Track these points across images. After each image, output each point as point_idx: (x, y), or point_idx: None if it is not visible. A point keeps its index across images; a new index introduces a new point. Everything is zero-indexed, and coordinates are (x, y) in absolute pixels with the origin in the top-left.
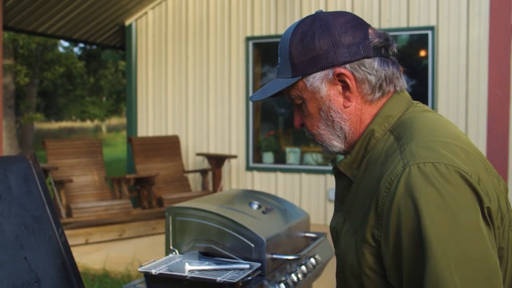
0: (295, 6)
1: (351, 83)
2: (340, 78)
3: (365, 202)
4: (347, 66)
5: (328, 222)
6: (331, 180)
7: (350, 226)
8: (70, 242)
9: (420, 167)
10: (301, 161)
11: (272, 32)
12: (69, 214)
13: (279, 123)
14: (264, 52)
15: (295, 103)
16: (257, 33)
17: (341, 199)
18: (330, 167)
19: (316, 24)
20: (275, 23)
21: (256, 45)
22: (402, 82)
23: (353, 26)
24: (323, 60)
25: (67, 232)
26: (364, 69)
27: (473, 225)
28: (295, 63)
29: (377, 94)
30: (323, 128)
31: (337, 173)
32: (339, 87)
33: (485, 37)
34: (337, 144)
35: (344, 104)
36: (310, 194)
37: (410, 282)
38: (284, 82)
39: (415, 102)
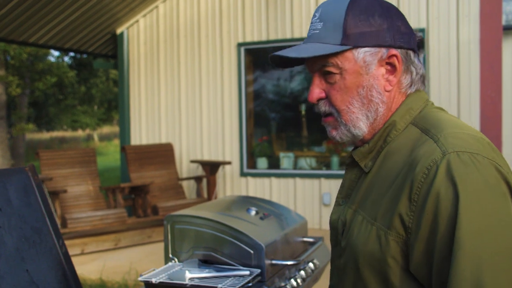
0: (286, 13)
1: (399, 67)
2: (390, 60)
3: (389, 190)
4: (399, 51)
5: (324, 226)
6: (325, 184)
7: (366, 215)
8: None
9: (459, 155)
10: (295, 166)
11: (264, 38)
12: (64, 224)
13: (272, 128)
14: (256, 58)
15: (326, 72)
16: (248, 39)
17: (346, 193)
18: (324, 171)
19: (376, 3)
20: (267, 29)
21: (247, 51)
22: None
23: (404, 17)
24: (381, 37)
25: None
26: (410, 60)
27: (508, 217)
28: (348, 32)
29: (413, 88)
30: (356, 106)
31: (350, 163)
32: (384, 70)
33: (476, 39)
34: (363, 126)
35: (385, 87)
36: (305, 199)
37: (440, 269)
38: (331, 47)
39: (430, 101)
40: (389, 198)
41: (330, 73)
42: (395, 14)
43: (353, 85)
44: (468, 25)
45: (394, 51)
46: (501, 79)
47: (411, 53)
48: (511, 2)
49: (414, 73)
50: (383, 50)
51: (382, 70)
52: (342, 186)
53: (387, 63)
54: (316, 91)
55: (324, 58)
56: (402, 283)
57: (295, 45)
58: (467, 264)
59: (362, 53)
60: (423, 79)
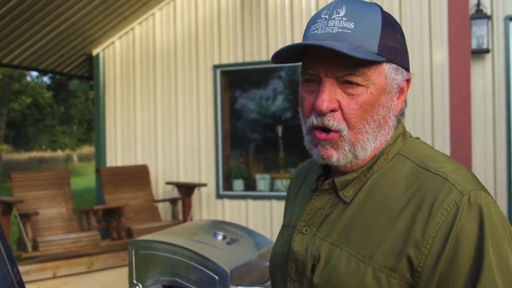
0: (261, 35)
1: (406, 93)
2: (403, 84)
3: (390, 228)
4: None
5: None
6: None
7: (354, 253)
8: (37, 276)
9: (479, 194)
10: (272, 188)
11: (240, 60)
12: (35, 247)
13: (249, 150)
14: (232, 79)
15: (349, 81)
16: (224, 61)
17: (311, 220)
18: None
19: (395, 21)
20: (242, 51)
21: (223, 73)
22: None
23: None
24: (405, 57)
25: (33, 266)
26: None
27: (510, 261)
28: (384, 43)
29: (403, 116)
30: (372, 126)
31: (325, 188)
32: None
33: (448, 62)
34: (368, 149)
35: (395, 111)
36: (281, 221)
37: None
38: (369, 54)
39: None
40: (392, 237)
41: (352, 83)
42: (403, 36)
43: (376, 102)
44: (441, 49)
45: (409, 75)
46: (470, 102)
47: None
48: (482, 26)
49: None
50: (405, 71)
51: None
52: (306, 212)
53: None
54: (332, 101)
55: (355, 65)
56: None
57: (271, 67)
58: None
59: (393, 70)
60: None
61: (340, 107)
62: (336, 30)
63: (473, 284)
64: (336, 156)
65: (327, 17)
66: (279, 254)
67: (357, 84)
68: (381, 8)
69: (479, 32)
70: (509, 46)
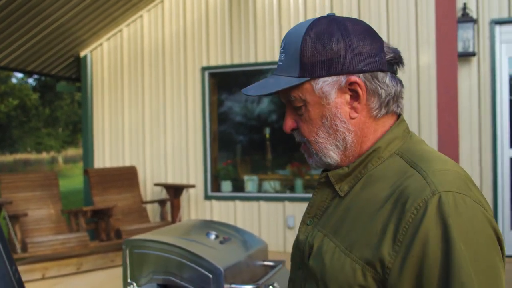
0: (250, 37)
1: (362, 93)
2: (351, 87)
3: (370, 222)
4: (361, 75)
5: (288, 249)
6: (289, 207)
7: (339, 244)
8: (26, 277)
9: (449, 196)
10: (260, 189)
11: (228, 62)
12: (24, 249)
13: (237, 151)
14: (220, 81)
15: (293, 105)
16: (212, 63)
17: (314, 213)
18: (288, 194)
19: (334, 27)
20: (231, 53)
21: (212, 75)
22: (403, 103)
23: (371, 35)
24: (337, 65)
25: (22, 268)
26: (376, 82)
27: (494, 265)
28: (305, 63)
29: (383, 111)
30: (323, 136)
31: (323, 182)
32: (348, 96)
33: (434, 64)
34: (334, 155)
35: (351, 115)
36: (269, 222)
37: None
38: (289, 81)
39: (412, 131)
40: (370, 232)
41: (296, 107)
42: (358, 35)
43: (317, 116)
44: (428, 51)
45: (353, 78)
46: (457, 104)
47: (379, 74)
48: (468, 30)
49: (384, 95)
50: (342, 78)
51: (346, 97)
52: (310, 205)
53: (350, 90)
54: (289, 121)
55: (287, 92)
56: None
57: (259, 69)
58: None
59: (320, 84)
60: (397, 98)
61: (297, 126)
62: (278, 64)
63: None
64: (313, 163)
65: (280, 51)
66: (293, 245)
67: (298, 107)
68: (313, 22)
69: (465, 36)
70: (495, 50)
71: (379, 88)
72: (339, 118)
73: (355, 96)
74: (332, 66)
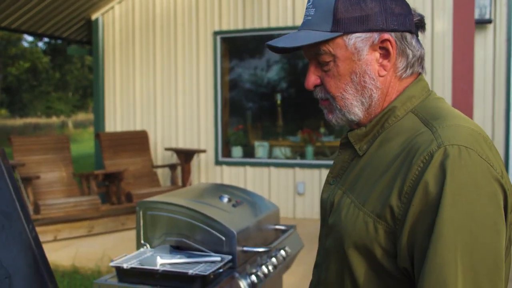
0: (262, 1)
1: (392, 52)
2: (383, 45)
3: (382, 177)
4: (393, 34)
5: (297, 215)
6: (299, 173)
7: (354, 199)
8: None
9: (454, 148)
10: (270, 155)
11: (240, 26)
12: (37, 211)
13: (248, 117)
14: (232, 46)
15: (320, 60)
16: (225, 27)
17: (337, 173)
18: (298, 161)
19: None
20: (243, 18)
21: (224, 40)
22: (425, 66)
23: None
24: (372, 21)
25: None
26: (405, 42)
27: (491, 218)
28: (339, 18)
29: (408, 72)
30: (350, 92)
31: (344, 143)
32: (378, 54)
33: (449, 31)
34: (358, 112)
35: (379, 72)
36: (279, 188)
37: (419, 262)
38: (322, 35)
39: (433, 90)
40: (381, 186)
41: (323, 61)
42: None
43: (346, 72)
44: (443, 18)
45: (386, 35)
46: (473, 72)
47: (408, 35)
48: None
49: (411, 56)
50: (375, 35)
51: (376, 55)
52: (334, 166)
53: (381, 48)
54: (312, 78)
55: (317, 46)
56: (390, 266)
57: (271, 34)
58: (439, 257)
59: (353, 39)
60: (421, 61)
61: (321, 81)
62: (305, 18)
63: (428, 241)
64: (333, 118)
65: (306, 6)
66: (320, 203)
67: (326, 62)
68: None
69: (481, 2)
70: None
71: (407, 49)
72: (368, 74)
73: (384, 54)
74: (366, 23)
